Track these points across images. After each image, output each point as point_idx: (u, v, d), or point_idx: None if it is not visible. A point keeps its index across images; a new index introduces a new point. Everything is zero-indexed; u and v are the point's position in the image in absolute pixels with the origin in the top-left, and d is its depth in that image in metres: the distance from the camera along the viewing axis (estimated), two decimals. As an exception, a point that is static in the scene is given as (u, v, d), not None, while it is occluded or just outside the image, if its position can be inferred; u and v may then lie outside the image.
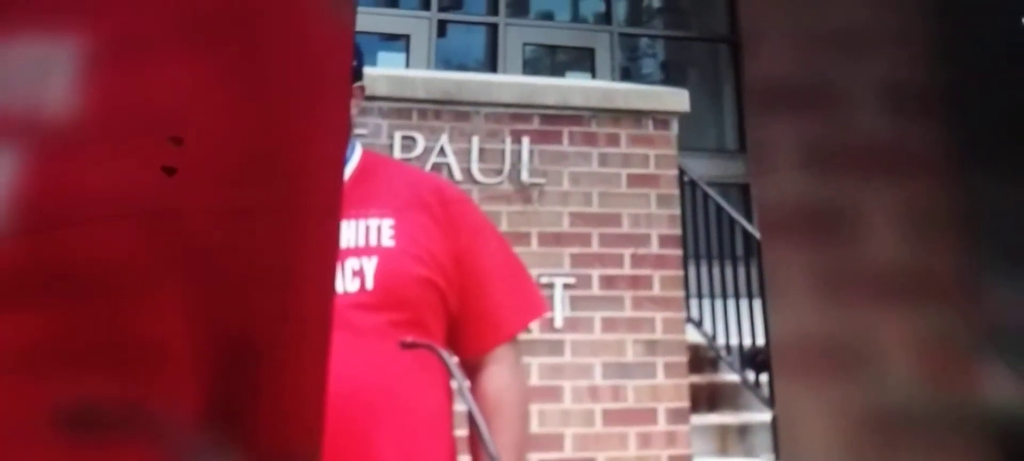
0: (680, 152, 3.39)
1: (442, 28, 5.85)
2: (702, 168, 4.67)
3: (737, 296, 3.70)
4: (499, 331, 1.28)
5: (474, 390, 1.25)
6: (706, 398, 3.37)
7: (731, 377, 3.55)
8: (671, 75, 6.19)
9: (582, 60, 5.94)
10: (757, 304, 3.59)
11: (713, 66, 6.34)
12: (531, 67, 5.69)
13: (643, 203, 2.97)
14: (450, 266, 1.22)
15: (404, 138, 2.88)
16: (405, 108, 2.91)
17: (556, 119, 3.02)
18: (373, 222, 1.21)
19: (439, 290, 1.21)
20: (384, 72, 2.97)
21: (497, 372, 1.26)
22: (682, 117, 3.32)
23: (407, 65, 5.54)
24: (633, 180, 3.05)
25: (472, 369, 1.28)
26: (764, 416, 3.38)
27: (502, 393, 1.25)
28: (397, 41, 5.70)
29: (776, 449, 3.28)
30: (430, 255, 1.21)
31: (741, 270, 3.80)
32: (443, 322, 1.22)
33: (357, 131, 2.91)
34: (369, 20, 5.37)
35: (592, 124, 3.13)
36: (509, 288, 1.31)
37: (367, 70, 3.10)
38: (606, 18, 6.24)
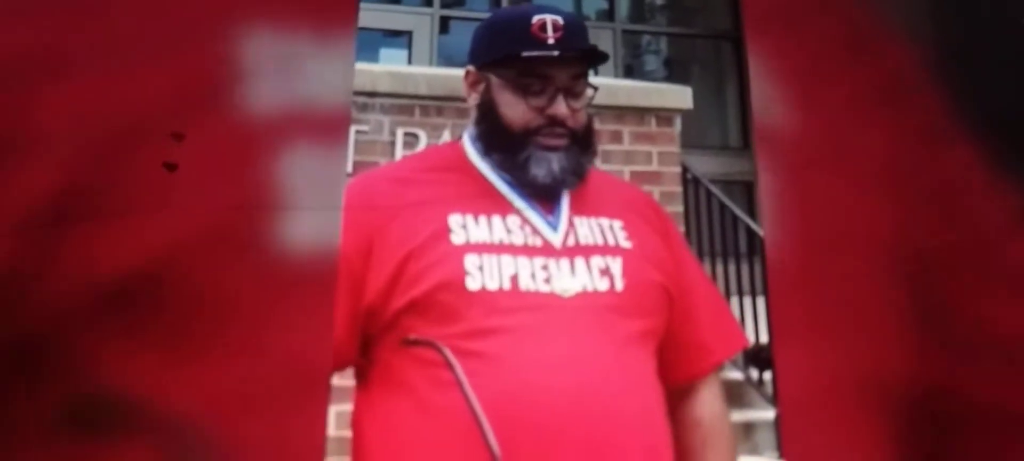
0: (683, 149, 3.38)
1: (445, 24, 5.84)
2: (705, 165, 4.66)
3: (740, 294, 3.69)
4: (710, 357, 1.18)
5: (682, 417, 1.17)
6: (709, 396, 3.34)
7: (734, 375, 3.54)
8: (674, 72, 6.18)
9: (585, 57, 5.91)
10: (760, 302, 3.58)
11: (716, 63, 6.33)
12: (534, 64, 5.66)
13: (646, 200, 2.96)
14: (674, 278, 1.14)
15: (406, 135, 2.87)
16: (408, 105, 2.89)
17: (559, 116, 2.99)
18: (605, 221, 1.12)
19: (671, 300, 1.12)
20: (386, 69, 2.96)
21: (709, 399, 1.18)
22: (685, 114, 3.31)
23: (409, 61, 5.52)
24: (636, 177, 3.04)
25: (675, 397, 1.16)
26: (768, 414, 3.36)
27: (716, 421, 1.18)
28: (399, 37, 5.68)
29: (780, 447, 3.27)
30: (661, 262, 1.13)
31: (744, 268, 3.78)
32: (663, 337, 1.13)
33: (358, 128, 2.91)
34: (371, 16, 5.35)
35: (595, 121, 3.10)
36: (718, 314, 1.21)
37: (369, 66, 3.09)
38: (609, 15, 6.23)
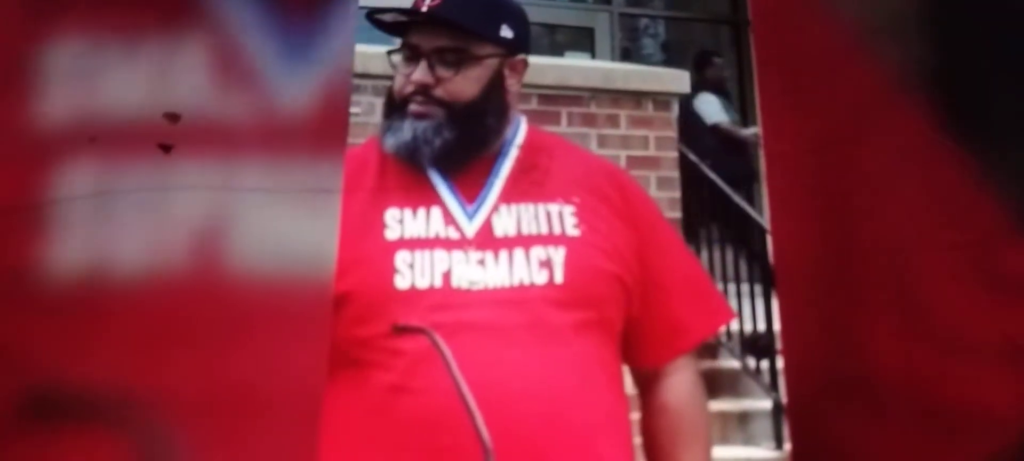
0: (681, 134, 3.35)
1: None
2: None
3: (738, 281, 3.67)
4: (683, 339, 1.15)
5: (650, 403, 1.15)
6: (706, 385, 3.32)
7: (731, 363, 3.52)
8: (672, 56, 6.14)
9: (581, 40, 5.88)
10: (758, 289, 3.56)
11: (715, 47, 6.29)
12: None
13: (643, 185, 2.91)
14: (634, 263, 1.10)
15: (398, 118, 2.82)
16: (400, 87, 2.85)
17: (555, 99, 2.98)
18: (554, 208, 1.09)
19: (626, 288, 1.09)
20: (378, 50, 2.91)
21: (678, 383, 1.14)
22: (683, 99, 3.29)
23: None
24: (633, 162, 3.00)
25: (648, 380, 1.16)
26: (765, 403, 3.35)
27: (685, 407, 1.14)
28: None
29: (777, 437, 3.26)
30: (616, 249, 1.09)
31: (742, 254, 3.77)
32: (622, 325, 1.10)
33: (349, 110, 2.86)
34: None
35: (591, 105, 3.09)
36: (693, 292, 1.17)
37: (361, 48, 3.04)
38: (606, -3, 6.18)
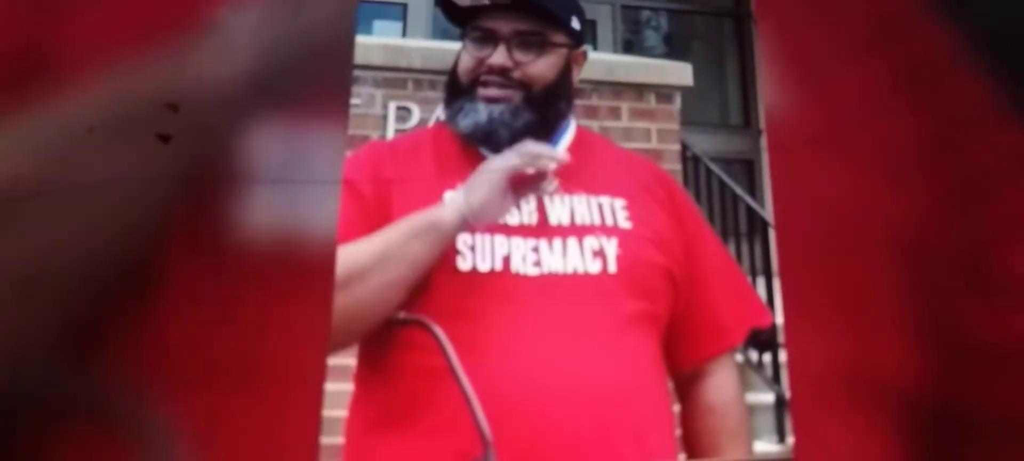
0: (683, 127, 3.34)
1: (441, -2, 5.75)
2: (705, 143, 4.62)
3: (739, 274, 3.65)
4: (724, 338, 1.17)
5: (695, 401, 1.16)
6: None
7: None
8: (674, 48, 6.12)
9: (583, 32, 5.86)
10: (761, 282, 3.55)
11: (717, 40, 6.27)
12: (531, 39, 5.58)
13: (645, 178, 2.92)
14: (682, 259, 1.12)
15: (399, 109, 2.82)
16: (400, 78, 2.84)
17: (556, 91, 2.95)
18: (605, 200, 1.10)
19: (674, 283, 1.10)
20: (379, 41, 2.90)
21: (723, 382, 1.16)
22: (685, 91, 3.27)
23: (404, 34, 5.46)
24: (635, 155, 2.99)
25: (689, 378, 1.17)
26: (767, 397, 3.34)
27: (730, 406, 1.15)
28: (394, 8, 5.61)
29: (779, 431, 3.25)
30: (665, 243, 1.10)
31: (744, 248, 3.76)
32: (667, 322, 1.11)
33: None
34: (366, -10, 5.27)
35: (593, 97, 3.08)
36: (734, 292, 1.19)
37: (362, 39, 3.04)
38: (608, -10, 6.15)
